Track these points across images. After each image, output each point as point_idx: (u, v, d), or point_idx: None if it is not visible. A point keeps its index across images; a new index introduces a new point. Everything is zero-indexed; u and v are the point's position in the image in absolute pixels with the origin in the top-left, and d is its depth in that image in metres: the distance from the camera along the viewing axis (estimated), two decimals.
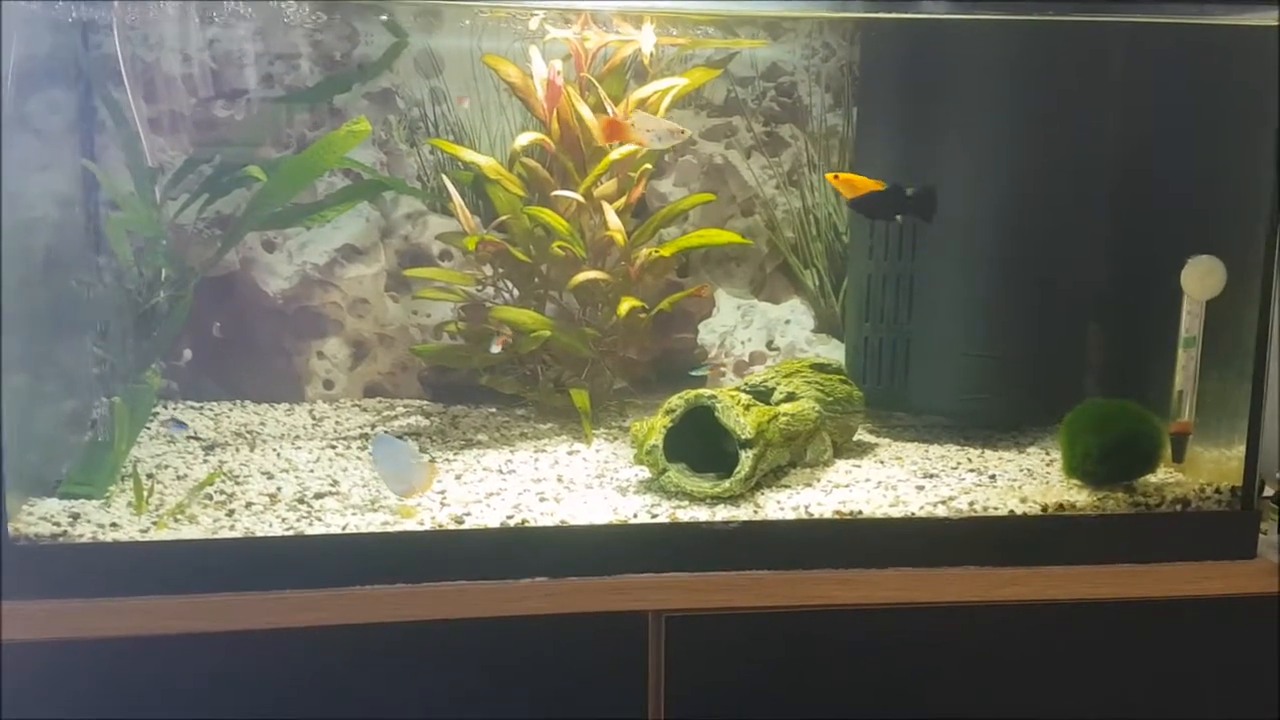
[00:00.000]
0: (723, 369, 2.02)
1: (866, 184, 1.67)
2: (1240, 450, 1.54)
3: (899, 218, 1.72)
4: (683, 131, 1.67)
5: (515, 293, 1.89)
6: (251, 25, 1.86)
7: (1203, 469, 1.61)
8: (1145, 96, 1.78)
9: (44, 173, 1.59)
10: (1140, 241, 1.79)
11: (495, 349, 1.80)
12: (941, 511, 1.51)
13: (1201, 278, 1.55)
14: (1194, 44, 1.66)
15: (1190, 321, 1.56)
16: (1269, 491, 1.63)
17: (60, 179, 1.68)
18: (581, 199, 1.79)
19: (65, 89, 1.71)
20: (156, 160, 1.82)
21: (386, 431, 1.58)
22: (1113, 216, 1.82)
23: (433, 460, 1.63)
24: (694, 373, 1.97)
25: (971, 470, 1.67)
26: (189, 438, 1.76)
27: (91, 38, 1.78)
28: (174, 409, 1.90)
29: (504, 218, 1.84)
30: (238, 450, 1.71)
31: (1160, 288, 1.59)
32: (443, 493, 1.53)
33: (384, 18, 1.81)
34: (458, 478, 1.60)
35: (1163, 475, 1.61)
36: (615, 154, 1.77)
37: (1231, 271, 1.54)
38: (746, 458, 1.50)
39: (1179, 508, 1.55)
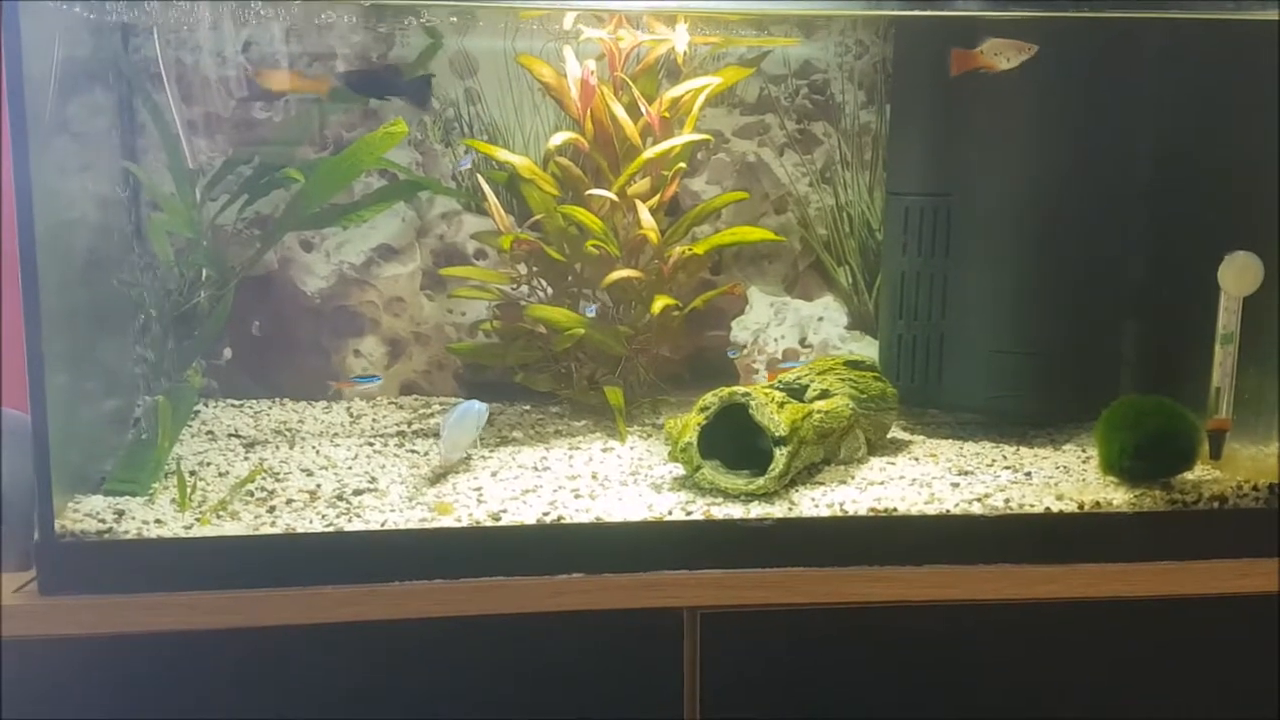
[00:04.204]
0: (756, 367, 2.02)
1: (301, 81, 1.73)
2: (1278, 447, 1.53)
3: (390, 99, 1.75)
4: (1031, 48, 1.59)
5: (549, 291, 1.91)
6: (289, 26, 1.89)
7: (1240, 466, 1.60)
8: (1181, 91, 1.77)
9: (85, 174, 1.62)
10: (1177, 237, 1.78)
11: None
12: (977, 509, 1.50)
13: (1238, 273, 1.54)
14: (1229, 38, 1.64)
15: (1227, 318, 1.55)
16: None
17: (101, 180, 1.71)
18: (615, 198, 1.80)
19: (106, 91, 1.74)
20: (196, 162, 1.85)
21: (481, 404, 1.67)
22: (1149, 212, 1.81)
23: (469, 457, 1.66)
24: (732, 355, 1.98)
25: (1007, 467, 1.67)
26: (232, 434, 1.78)
27: (132, 40, 1.80)
28: (215, 407, 1.92)
29: (538, 217, 1.85)
30: (277, 448, 1.73)
31: (1197, 284, 1.58)
32: (479, 490, 1.54)
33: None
34: (494, 475, 1.61)
35: (1200, 472, 1.60)
36: (648, 153, 1.78)
37: (1269, 267, 1.53)
38: (781, 455, 1.51)
39: (1216, 505, 1.54)
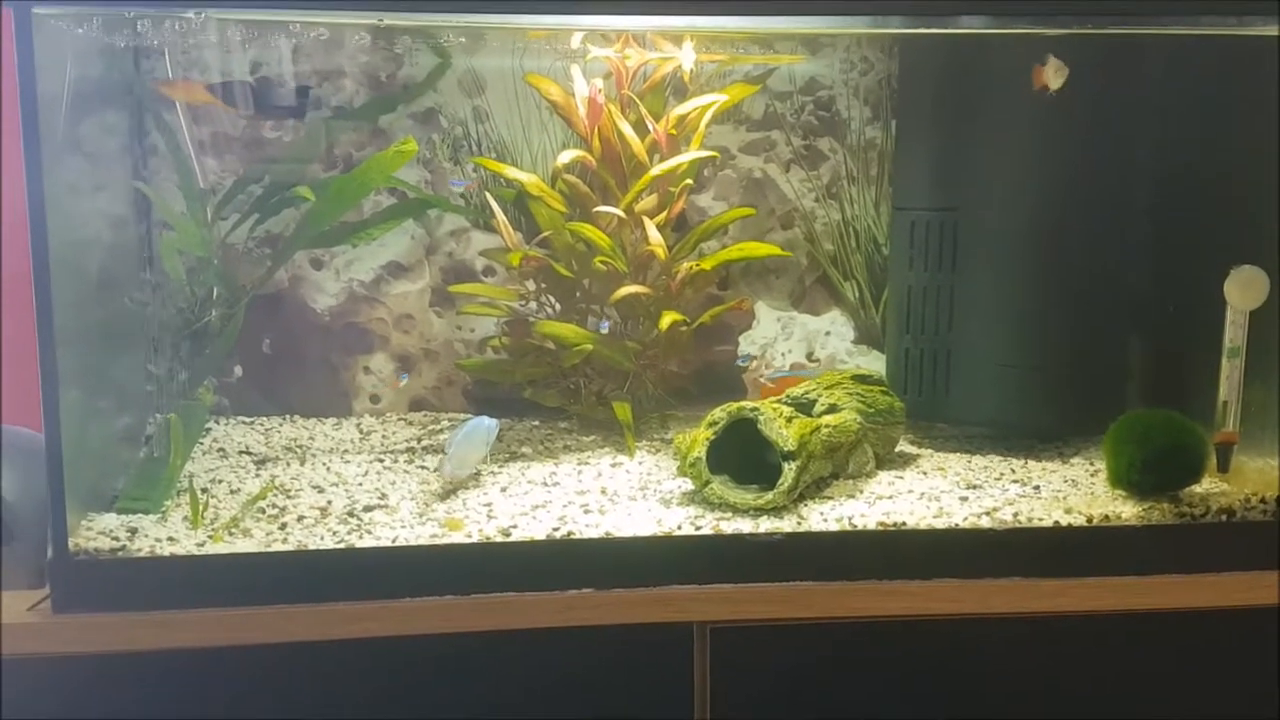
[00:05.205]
0: (764, 382, 2.02)
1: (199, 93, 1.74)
2: None
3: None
4: (1065, 68, 1.62)
5: (558, 307, 1.92)
6: (298, 47, 1.90)
7: (1248, 479, 1.60)
8: (1186, 106, 1.77)
9: (97, 193, 1.63)
10: (1182, 251, 1.79)
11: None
12: (986, 522, 1.51)
13: (1244, 288, 1.54)
14: (1236, 53, 1.65)
15: (1234, 331, 1.56)
16: None
17: (113, 199, 1.72)
18: (623, 214, 1.81)
19: (118, 111, 1.75)
20: (207, 181, 1.86)
21: (491, 419, 1.68)
22: (1155, 227, 1.81)
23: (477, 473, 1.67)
24: (742, 363, 2.00)
25: (1015, 481, 1.67)
26: (244, 452, 1.79)
27: (144, 62, 1.82)
28: (226, 425, 1.93)
29: (546, 234, 1.86)
30: (288, 465, 1.74)
31: (1204, 298, 1.58)
32: (489, 505, 1.55)
33: (450, 39, 1.84)
34: (503, 490, 1.62)
35: (1208, 485, 1.61)
36: (656, 169, 1.79)
37: (1275, 281, 1.53)
38: (789, 469, 1.51)
39: (1224, 518, 1.54)
